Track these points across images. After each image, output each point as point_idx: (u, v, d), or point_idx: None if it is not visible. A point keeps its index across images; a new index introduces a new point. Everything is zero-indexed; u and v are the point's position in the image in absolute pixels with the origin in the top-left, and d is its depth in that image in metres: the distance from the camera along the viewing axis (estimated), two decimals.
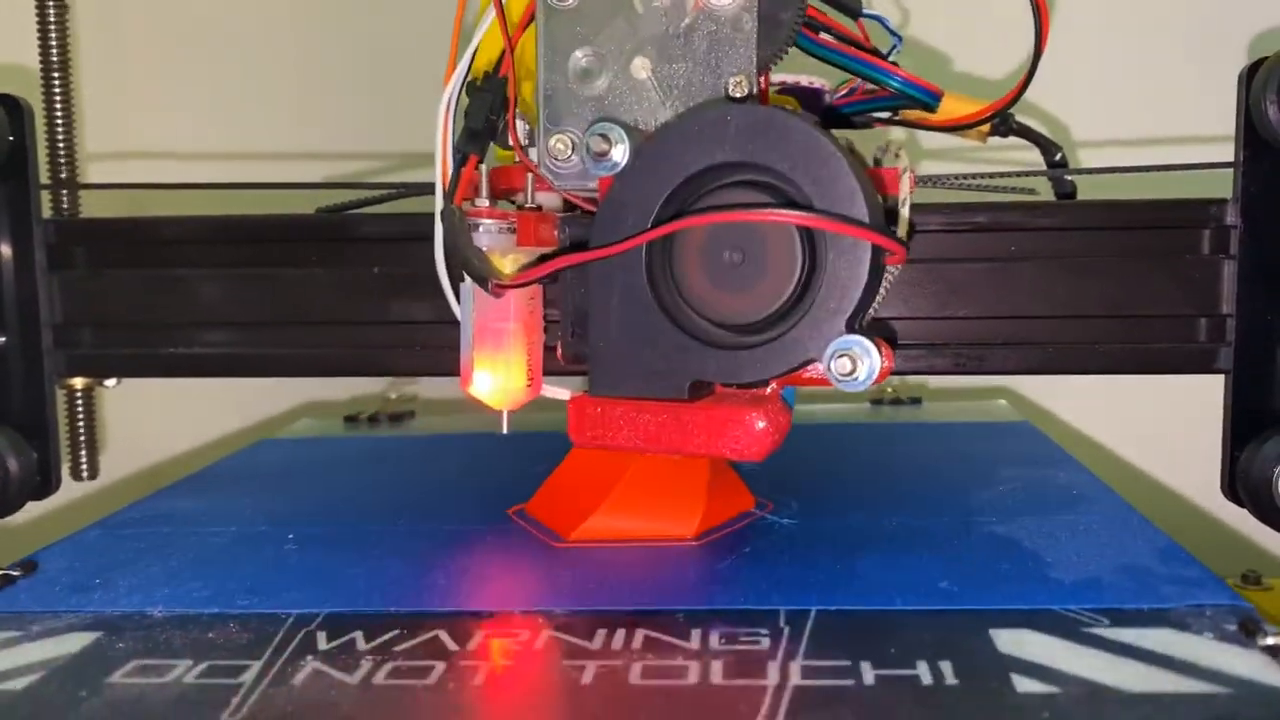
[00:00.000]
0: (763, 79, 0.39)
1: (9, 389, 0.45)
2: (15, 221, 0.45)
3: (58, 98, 0.49)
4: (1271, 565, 0.61)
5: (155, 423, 0.74)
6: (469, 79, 0.38)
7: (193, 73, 0.78)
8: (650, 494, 0.41)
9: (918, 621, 0.32)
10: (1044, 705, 0.27)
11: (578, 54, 0.37)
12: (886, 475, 0.51)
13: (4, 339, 0.45)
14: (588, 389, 0.36)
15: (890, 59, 0.44)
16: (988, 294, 0.42)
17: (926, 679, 0.28)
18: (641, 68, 0.37)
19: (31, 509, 0.46)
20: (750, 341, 0.34)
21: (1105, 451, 0.75)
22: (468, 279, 0.37)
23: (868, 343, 0.32)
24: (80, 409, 0.51)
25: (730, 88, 0.35)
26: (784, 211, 0.32)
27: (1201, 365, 0.41)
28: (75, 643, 0.33)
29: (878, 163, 0.42)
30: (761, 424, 0.34)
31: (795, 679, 0.28)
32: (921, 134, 0.65)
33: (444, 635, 0.32)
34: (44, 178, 0.47)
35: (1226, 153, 0.41)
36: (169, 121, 0.78)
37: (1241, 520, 0.42)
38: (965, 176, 0.46)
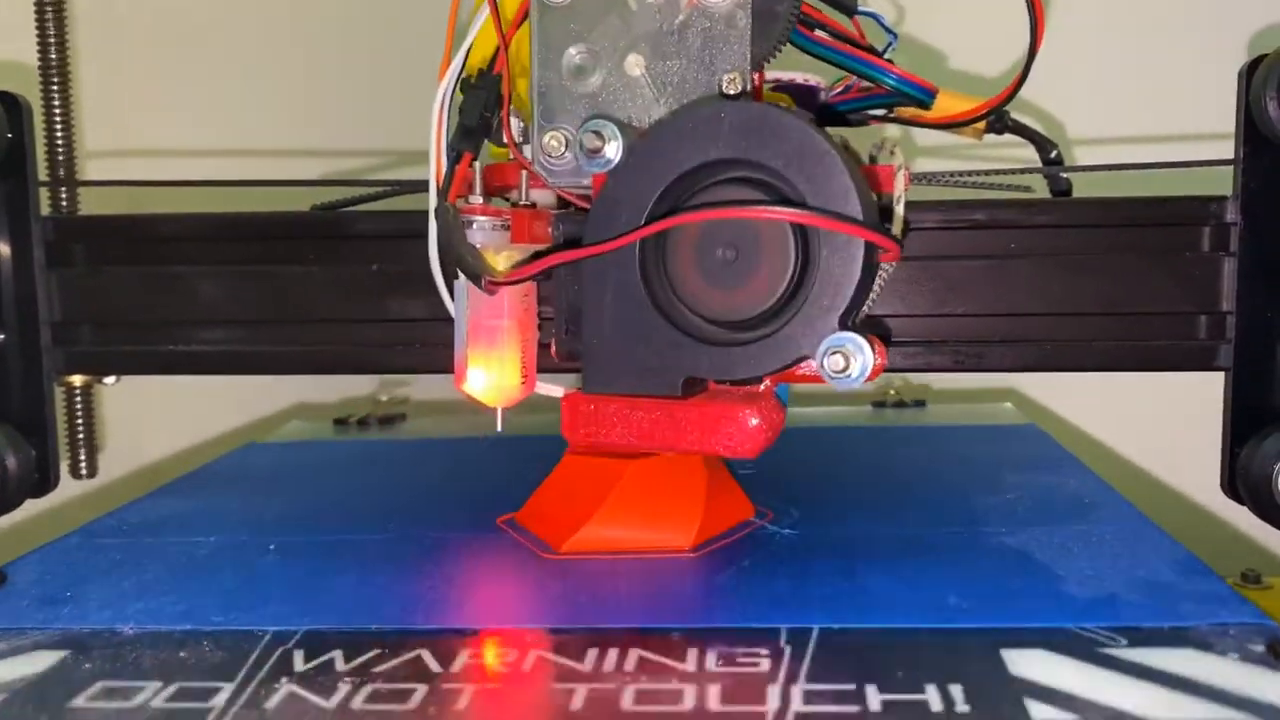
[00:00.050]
0: (757, 76, 0.39)
1: (8, 386, 0.45)
2: (14, 219, 0.45)
3: (56, 95, 0.49)
4: (1272, 564, 0.60)
5: (154, 421, 0.74)
6: (463, 76, 0.38)
7: (191, 70, 0.77)
8: (645, 503, 0.39)
9: (926, 641, 0.31)
10: None
11: (571, 51, 0.37)
12: (890, 481, 0.49)
13: (3, 336, 0.45)
14: (581, 386, 0.36)
15: (886, 56, 0.44)
16: (987, 291, 0.41)
17: (936, 705, 0.27)
18: (635, 65, 0.36)
19: (30, 506, 0.46)
20: (743, 338, 0.34)
21: (1107, 450, 0.74)
22: (462, 276, 0.37)
23: (861, 340, 0.32)
24: (79, 406, 0.51)
25: (724, 84, 0.34)
26: (777, 209, 0.32)
27: (1201, 362, 0.41)
28: (40, 662, 0.31)
29: (873, 160, 0.41)
30: (755, 421, 0.34)
31: (797, 704, 0.27)
32: (916, 131, 0.65)
33: (427, 655, 0.30)
34: (42, 175, 0.47)
35: (1226, 149, 0.41)
36: (167, 119, 0.77)
37: (1241, 518, 0.42)
38: (961, 174, 0.46)
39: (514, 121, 0.39)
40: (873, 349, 0.32)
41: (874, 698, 0.27)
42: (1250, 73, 0.39)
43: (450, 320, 0.38)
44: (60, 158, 0.49)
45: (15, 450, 0.44)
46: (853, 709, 0.27)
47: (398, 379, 0.75)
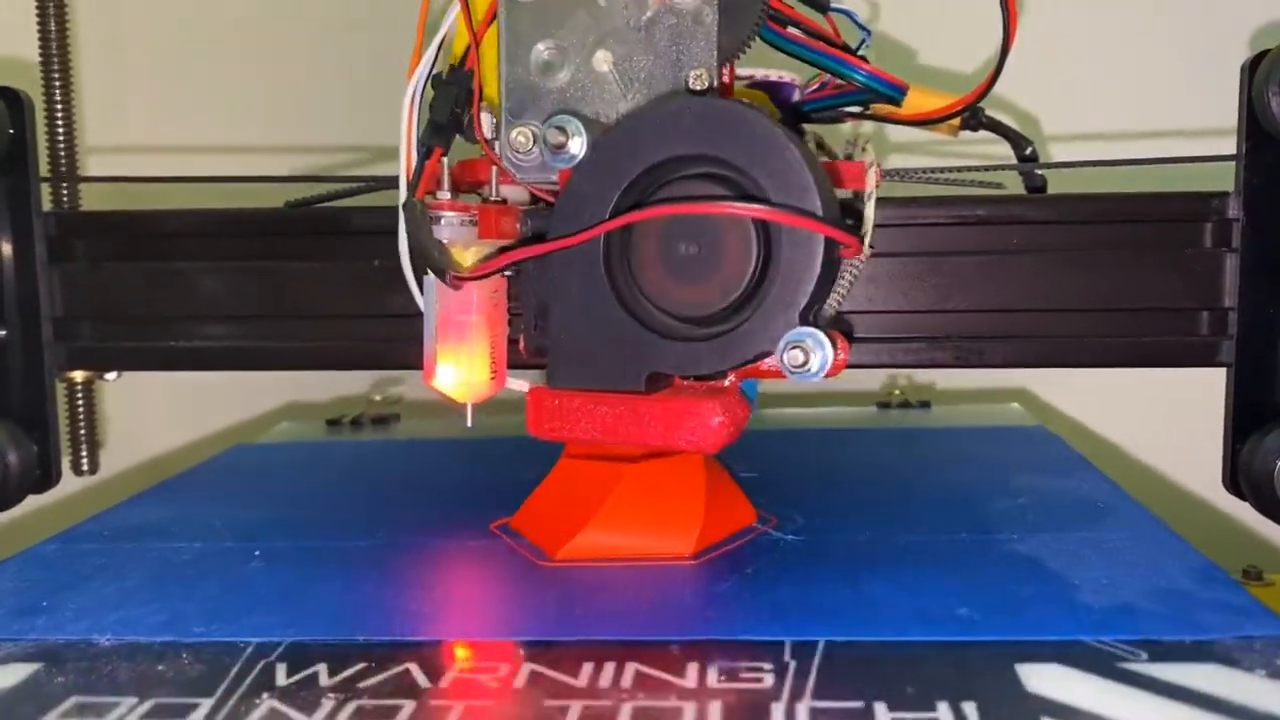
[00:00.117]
0: (727, 72, 0.39)
1: (9, 382, 0.45)
2: (15, 214, 0.45)
3: (57, 91, 0.49)
4: (1274, 560, 0.60)
5: (155, 417, 0.74)
6: (434, 72, 0.38)
7: (192, 66, 0.77)
8: (644, 508, 0.38)
9: (936, 655, 0.29)
10: None
11: (539, 47, 0.37)
12: (896, 485, 0.48)
13: (4, 332, 0.45)
14: (546, 381, 0.36)
15: (860, 53, 0.44)
16: (989, 287, 0.41)
17: None
18: (603, 61, 0.37)
19: (30, 502, 0.46)
20: (706, 334, 0.34)
21: (1110, 447, 0.73)
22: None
23: (820, 335, 0.32)
24: (80, 402, 0.51)
25: (691, 81, 0.34)
26: (736, 204, 0.32)
27: (1203, 359, 0.41)
28: (12, 675, 0.30)
29: (849, 157, 0.41)
30: (718, 418, 0.34)
31: None
32: (890, 128, 0.65)
33: (415, 669, 0.29)
34: (44, 171, 0.48)
35: (1227, 146, 0.40)
36: (169, 115, 0.77)
37: (1243, 514, 0.42)
38: (935, 170, 0.45)
39: (486, 117, 0.39)
40: (834, 345, 0.32)
41: (883, 716, 0.26)
42: (1252, 69, 0.39)
43: None
44: (62, 153, 0.49)
45: (17, 446, 0.44)
46: None
47: (391, 378, 0.74)
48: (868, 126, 0.52)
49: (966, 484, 0.47)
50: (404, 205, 0.36)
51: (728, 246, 0.33)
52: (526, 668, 0.29)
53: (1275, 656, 0.28)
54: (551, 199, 0.37)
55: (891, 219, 0.41)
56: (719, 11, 0.36)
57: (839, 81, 0.43)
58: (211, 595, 0.35)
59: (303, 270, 0.44)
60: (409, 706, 0.27)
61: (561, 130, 0.35)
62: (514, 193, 0.39)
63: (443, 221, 0.36)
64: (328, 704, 0.27)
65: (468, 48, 0.38)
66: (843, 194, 0.39)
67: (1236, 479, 0.41)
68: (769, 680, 0.28)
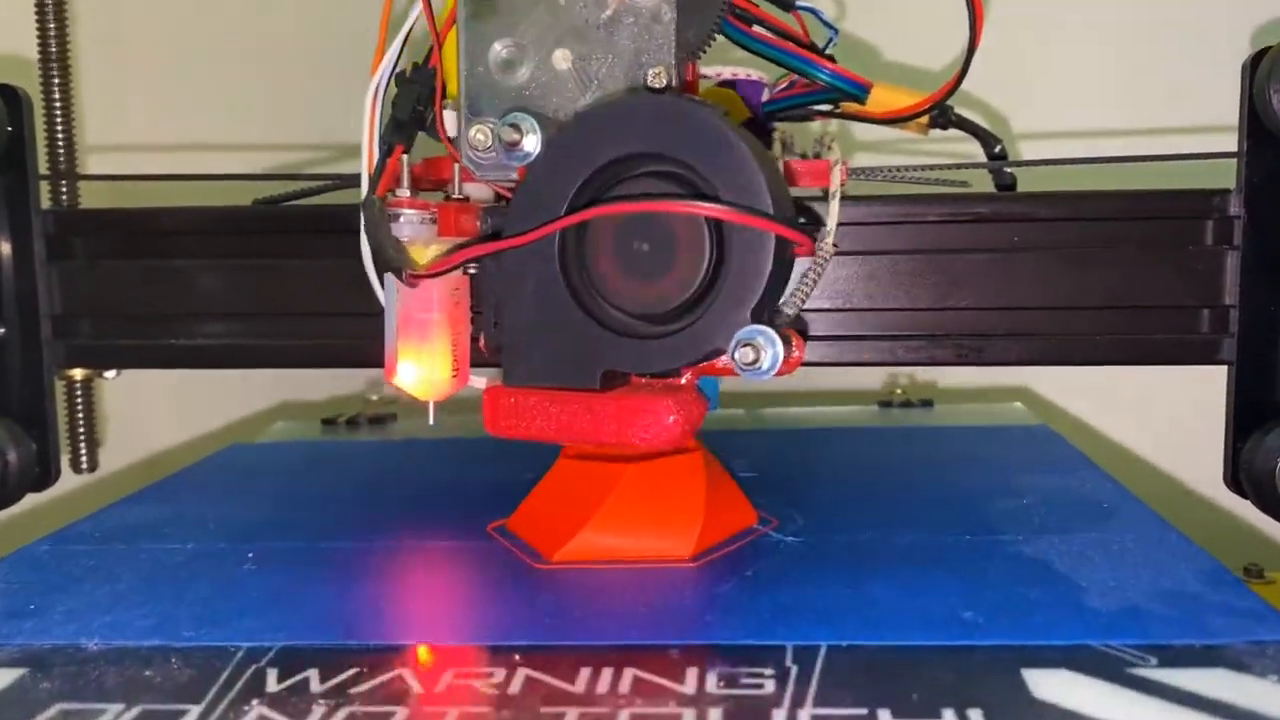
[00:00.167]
0: (690, 70, 0.39)
1: (8, 380, 0.45)
2: (14, 212, 0.45)
3: (56, 89, 0.49)
4: (1276, 558, 0.59)
5: (154, 415, 0.74)
6: (398, 70, 0.38)
7: (191, 64, 0.76)
8: (643, 509, 0.38)
9: (941, 660, 0.29)
10: None
11: (498, 45, 0.37)
12: (899, 485, 0.47)
13: (3, 330, 0.45)
14: (502, 379, 0.36)
15: (827, 51, 0.44)
16: (990, 285, 0.41)
17: None
18: (563, 59, 0.37)
19: (29, 499, 0.46)
20: (660, 331, 0.34)
21: (1113, 445, 0.72)
22: None
23: (771, 333, 0.32)
24: (79, 400, 0.50)
25: (649, 79, 0.34)
26: (686, 203, 0.32)
27: (1204, 356, 0.41)
28: None
29: (817, 155, 0.41)
30: (672, 416, 0.34)
31: None
32: (857, 126, 0.65)
33: (408, 674, 0.29)
34: (43, 169, 0.47)
35: (1228, 143, 0.40)
36: (168, 113, 0.76)
37: (1245, 512, 0.41)
38: (902, 169, 0.45)
39: (450, 115, 0.39)
40: (788, 342, 0.32)
41: None
42: (1253, 66, 0.39)
43: None
44: (60, 151, 0.49)
45: (16, 444, 0.44)
46: None
47: None
48: (835, 125, 0.53)
49: (969, 484, 0.46)
50: (363, 203, 0.37)
51: (680, 245, 0.33)
52: (522, 673, 0.28)
53: None
54: (510, 196, 0.37)
55: (893, 216, 0.41)
56: (678, 10, 0.36)
57: (807, 80, 0.43)
58: (203, 598, 0.35)
59: (301, 268, 0.44)
60: (401, 713, 0.26)
61: (516, 128, 0.35)
62: (478, 190, 0.39)
63: (402, 219, 0.36)
64: (318, 710, 0.27)
65: (432, 46, 0.38)
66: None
67: (1238, 477, 0.40)
68: (770, 686, 0.27)
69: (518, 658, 0.29)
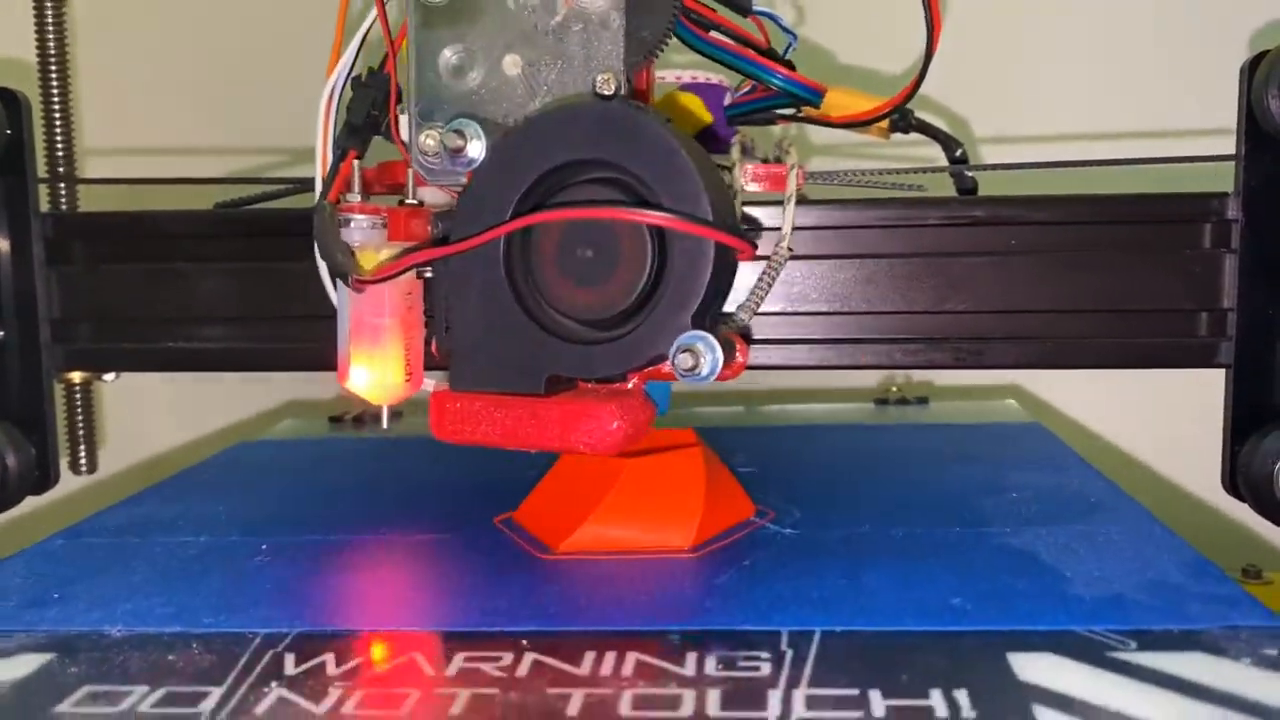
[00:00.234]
0: (644, 75, 0.39)
1: (7, 384, 0.45)
2: (13, 215, 0.45)
3: (55, 91, 0.49)
4: (1273, 559, 0.60)
5: (154, 416, 0.74)
6: (354, 74, 0.38)
7: (191, 67, 0.77)
8: (644, 502, 0.39)
9: (930, 644, 0.30)
10: None
11: (448, 51, 0.37)
12: (893, 480, 0.49)
13: (2, 333, 0.45)
14: (448, 384, 0.36)
15: (787, 56, 0.45)
16: (987, 288, 0.41)
17: (941, 711, 0.26)
18: (513, 64, 0.36)
19: (28, 501, 0.46)
20: (604, 337, 0.34)
21: (1109, 446, 0.73)
22: None
23: (711, 339, 0.32)
24: (79, 403, 0.50)
25: (598, 84, 0.34)
26: (626, 209, 0.32)
27: (1202, 360, 0.41)
28: (25, 665, 0.30)
29: (778, 159, 0.42)
30: (615, 421, 0.33)
31: (799, 710, 0.26)
32: (812, 131, 0.66)
33: (420, 659, 0.30)
34: (42, 172, 0.47)
35: (1222, 146, 0.41)
36: (167, 116, 0.77)
37: (1243, 514, 0.41)
38: (862, 173, 0.45)
39: (406, 119, 0.38)
40: (730, 347, 0.33)
41: (878, 703, 0.26)
42: (1251, 70, 0.39)
43: None
44: (60, 155, 0.49)
45: (15, 448, 0.44)
46: (856, 715, 0.26)
47: None
48: (795, 129, 0.53)
49: (961, 479, 0.48)
50: (315, 208, 0.37)
51: (623, 251, 0.33)
52: (529, 657, 0.30)
53: (1261, 646, 0.29)
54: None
55: (890, 220, 0.41)
56: (629, 15, 0.36)
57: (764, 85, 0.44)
58: (219, 587, 0.36)
59: (300, 271, 0.44)
60: (415, 695, 0.28)
61: (459, 134, 0.35)
62: (433, 195, 0.39)
63: (352, 224, 0.37)
64: (335, 692, 0.28)
65: (385, 54, 0.38)
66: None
67: (1235, 480, 0.41)
68: (766, 669, 0.28)
69: (525, 643, 0.31)
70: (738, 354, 0.34)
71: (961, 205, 0.42)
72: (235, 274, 0.45)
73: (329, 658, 0.30)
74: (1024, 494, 0.44)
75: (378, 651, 0.30)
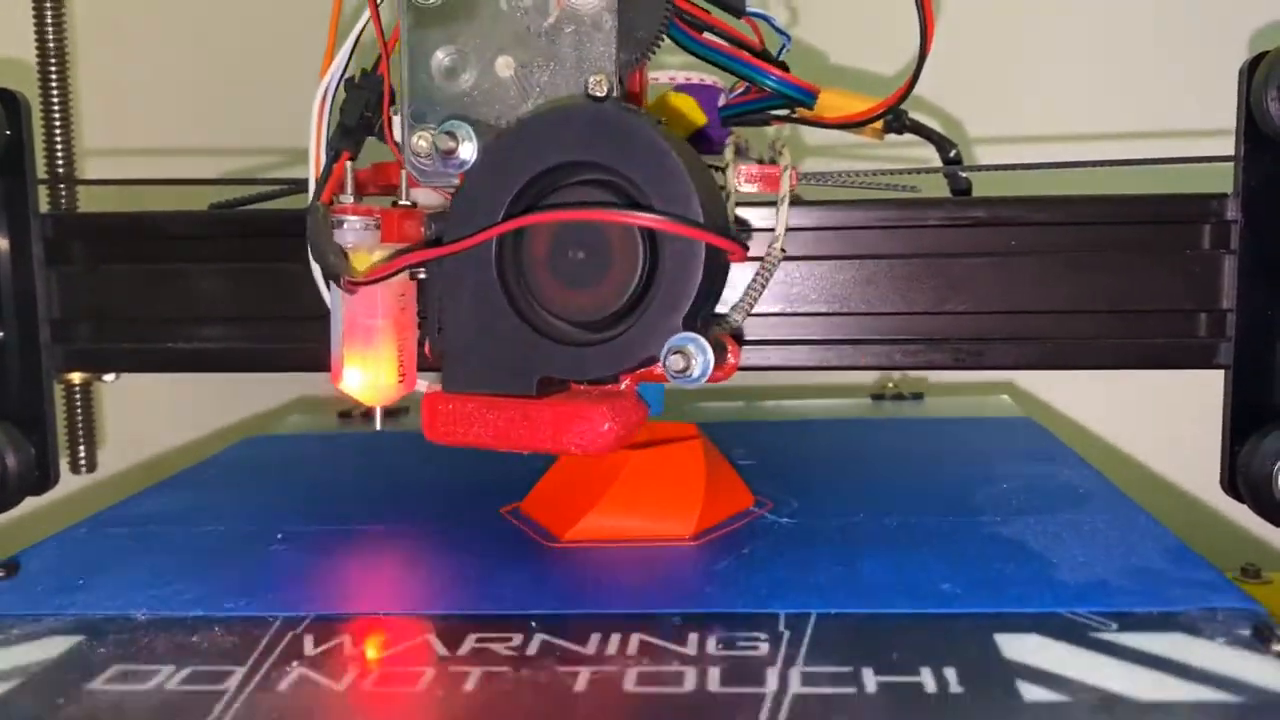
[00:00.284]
0: (637, 76, 0.39)
1: (7, 384, 0.45)
2: (13, 216, 0.45)
3: (55, 92, 0.49)
4: (1272, 559, 0.60)
5: (154, 416, 0.74)
6: (348, 76, 0.39)
7: (190, 68, 0.78)
8: (647, 493, 0.40)
9: (921, 626, 0.31)
10: (1052, 714, 0.26)
11: (441, 53, 0.37)
12: (888, 472, 0.50)
13: (1, 334, 0.45)
14: (441, 385, 0.36)
15: (781, 58, 0.45)
16: (987, 289, 0.41)
17: (930, 686, 0.27)
18: (505, 66, 0.36)
19: (29, 501, 0.46)
20: (595, 339, 0.34)
21: (1105, 445, 0.74)
22: None
23: (702, 340, 0.32)
24: (78, 403, 0.50)
25: (590, 86, 0.34)
26: (616, 211, 0.33)
27: (1202, 360, 0.41)
28: (56, 647, 0.32)
29: (772, 160, 0.42)
30: (607, 423, 0.34)
31: (795, 686, 0.28)
32: (805, 131, 0.65)
33: (433, 639, 0.31)
34: (41, 173, 0.47)
35: (1221, 147, 0.41)
36: (166, 117, 0.77)
37: (1241, 514, 0.41)
38: (854, 174, 0.46)
39: (400, 121, 0.38)
40: (721, 349, 0.33)
41: (870, 680, 0.28)
42: (1251, 71, 0.39)
43: None
44: (59, 155, 0.49)
45: (15, 448, 0.44)
46: (849, 690, 0.27)
47: None
48: (788, 130, 0.52)
49: (954, 471, 0.49)
50: (308, 209, 0.37)
51: (615, 253, 0.33)
52: (538, 638, 0.31)
53: (1235, 626, 0.30)
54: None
55: (890, 221, 0.42)
56: (621, 17, 0.36)
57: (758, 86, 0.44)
58: (238, 575, 0.38)
59: (299, 272, 0.43)
60: (430, 672, 0.29)
61: (451, 136, 0.35)
62: (428, 196, 0.39)
63: (345, 225, 0.37)
64: (354, 670, 0.29)
65: (379, 56, 0.38)
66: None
67: (1235, 480, 0.41)
68: (764, 648, 0.30)
69: (534, 624, 0.32)
70: (729, 355, 0.34)
71: (961, 206, 0.42)
72: (234, 274, 0.45)
73: (346, 639, 0.31)
74: (1014, 485, 0.46)
75: (393, 633, 0.32)
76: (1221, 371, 0.41)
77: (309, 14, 0.76)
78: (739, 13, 0.44)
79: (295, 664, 0.30)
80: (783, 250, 0.38)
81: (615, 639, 0.31)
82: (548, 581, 0.36)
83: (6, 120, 0.44)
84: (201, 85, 0.78)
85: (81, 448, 0.51)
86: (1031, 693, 0.27)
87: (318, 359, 0.44)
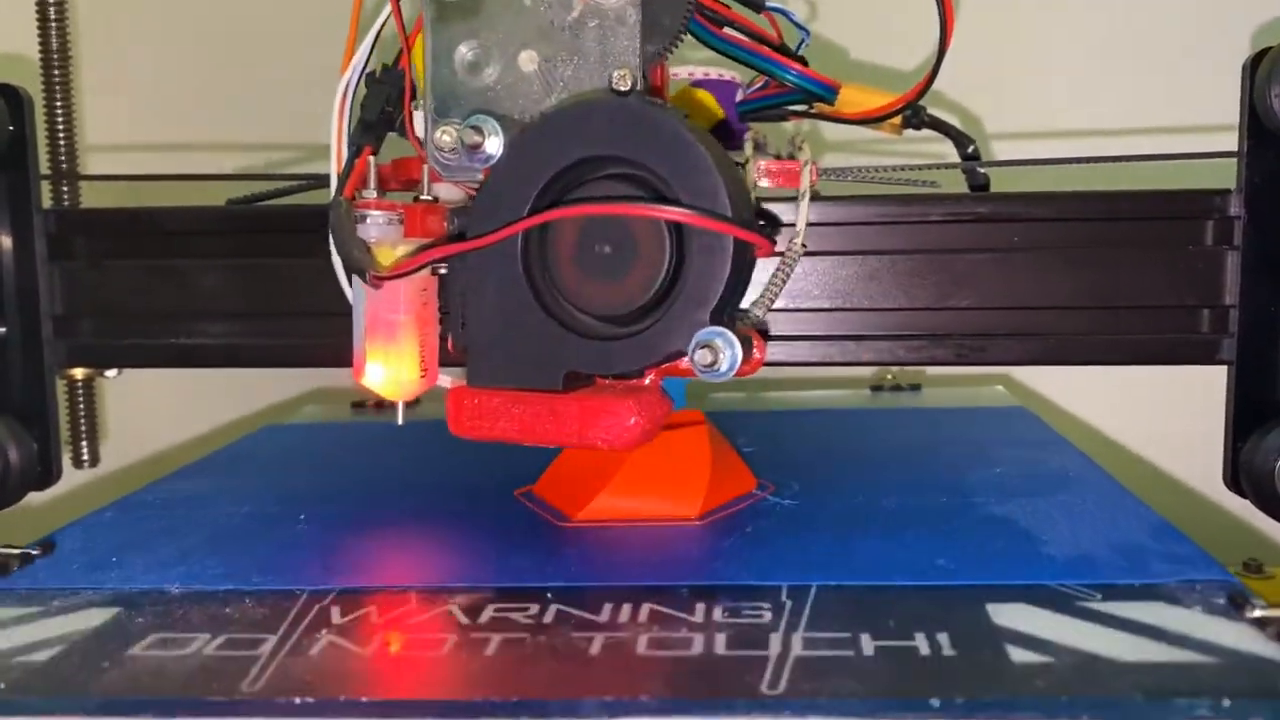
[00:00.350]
0: (659, 71, 0.39)
1: (9, 379, 0.46)
2: (15, 212, 0.45)
3: (57, 88, 0.49)
4: (1274, 553, 0.61)
5: (158, 411, 0.75)
6: (369, 70, 0.39)
7: (193, 63, 0.78)
8: (654, 475, 0.42)
9: (916, 596, 0.33)
10: (1038, 674, 0.27)
11: (464, 47, 0.37)
12: (886, 458, 0.52)
13: (4, 329, 0.45)
14: (466, 380, 0.36)
15: (800, 52, 0.45)
16: (989, 284, 0.42)
17: (924, 650, 0.29)
18: (529, 60, 0.37)
19: (31, 497, 0.46)
20: (622, 333, 0.34)
21: (1102, 437, 0.76)
22: None
23: (730, 335, 0.32)
24: (81, 399, 0.51)
25: (614, 81, 0.34)
26: (646, 206, 0.33)
27: (1204, 356, 0.41)
28: (95, 618, 0.33)
29: (790, 156, 0.42)
30: (633, 418, 0.34)
31: (797, 650, 0.29)
32: (826, 127, 0.66)
33: (456, 609, 0.33)
34: (44, 168, 0.47)
35: (1224, 143, 0.41)
36: (169, 112, 0.78)
37: (1244, 508, 0.42)
38: (874, 169, 0.46)
39: (421, 115, 0.38)
40: (748, 344, 0.33)
41: (867, 644, 0.29)
42: (1254, 66, 0.39)
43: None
44: (62, 151, 0.49)
45: (17, 444, 0.45)
46: (848, 653, 0.29)
47: None
48: (807, 125, 0.52)
49: (950, 457, 0.51)
50: (330, 204, 0.37)
51: (641, 247, 0.33)
52: (554, 608, 0.33)
53: (1213, 596, 0.32)
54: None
55: (893, 216, 0.42)
56: (644, 11, 0.36)
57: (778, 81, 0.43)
58: (265, 552, 0.39)
59: (303, 266, 0.44)
60: (452, 638, 0.31)
61: (478, 130, 0.35)
62: (447, 191, 0.39)
63: (368, 220, 0.37)
64: (380, 637, 0.31)
65: (401, 47, 0.38)
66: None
67: (1237, 476, 0.41)
68: (768, 616, 0.32)
69: (549, 595, 0.34)
70: (755, 350, 0.34)
71: (964, 202, 0.42)
72: (237, 270, 0.45)
73: (372, 609, 0.33)
74: (1007, 469, 0.47)
75: (415, 605, 0.34)
76: (1224, 367, 0.41)
77: (311, 9, 0.77)
78: (759, 7, 0.44)
79: (324, 632, 0.32)
80: (804, 245, 0.39)
81: (627, 608, 0.33)
82: (561, 557, 0.38)
83: (9, 116, 0.44)
84: (204, 81, 0.78)
85: (84, 443, 0.52)
86: (1019, 655, 0.29)
87: (320, 354, 0.45)
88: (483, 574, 0.36)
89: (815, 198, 0.41)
